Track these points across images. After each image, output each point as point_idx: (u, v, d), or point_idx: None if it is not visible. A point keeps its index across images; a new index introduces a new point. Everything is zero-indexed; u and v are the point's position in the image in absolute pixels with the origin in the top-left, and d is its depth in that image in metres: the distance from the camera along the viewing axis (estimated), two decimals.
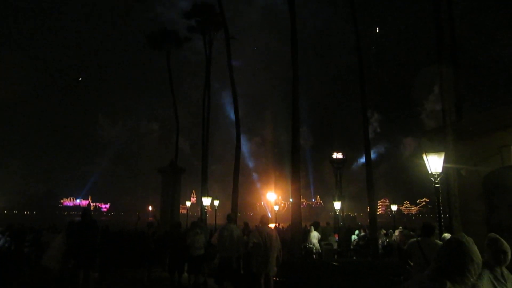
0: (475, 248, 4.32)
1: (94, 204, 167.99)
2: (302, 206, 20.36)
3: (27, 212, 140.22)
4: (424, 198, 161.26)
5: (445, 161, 8.63)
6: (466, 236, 4.44)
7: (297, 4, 17.40)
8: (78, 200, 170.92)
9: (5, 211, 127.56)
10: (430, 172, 8.47)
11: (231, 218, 9.35)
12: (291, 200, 16.42)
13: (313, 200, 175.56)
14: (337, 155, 24.75)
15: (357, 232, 18.58)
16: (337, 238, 18.77)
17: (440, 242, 6.17)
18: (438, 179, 8.43)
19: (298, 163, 15.45)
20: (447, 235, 7.26)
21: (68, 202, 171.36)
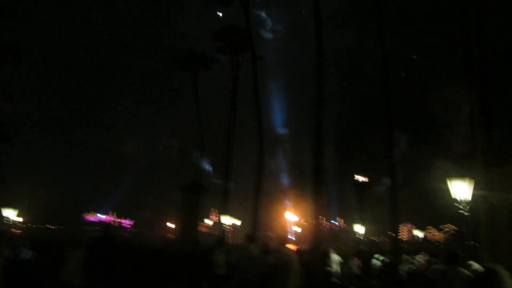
0: (510, 281, 4.13)
1: (117, 220, 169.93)
2: (324, 228, 20.01)
3: (55, 227, 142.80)
4: (448, 224, 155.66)
5: (474, 188, 8.38)
6: (503, 268, 4.26)
7: (324, 21, 17.43)
8: (101, 216, 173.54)
9: (31, 225, 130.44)
10: (454, 197, 8.23)
11: (251, 238, 9.27)
12: (312, 221, 16.25)
13: (333, 222, 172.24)
14: (360, 178, 24.38)
15: (377, 256, 18.03)
16: (357, 262, 18.28)
17: (465, 271, 5.94)
18: (468, 207, 8.16)
19: (320, 185, 15.28)
20: (474, 264, 6.99)
21: (91, 217, 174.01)
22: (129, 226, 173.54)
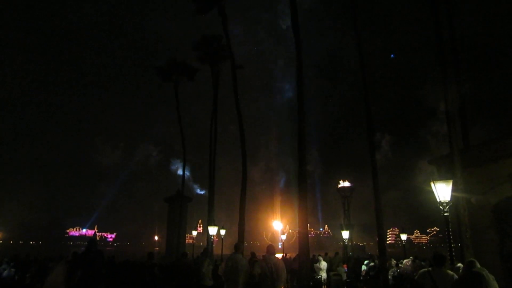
0: (495, 284, 4.18)
1: (100, 233, 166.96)
2: (310, 235, 20.03)
3: (33, 243, 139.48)
4: (435, 227, 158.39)
5: (453, 189, 8.48)
6: (487, 271, 4.30)
7: (303, 25, 17.63)
8: (84, 230, 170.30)
9: (11, 242, 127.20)
10: (438, 200, 8.33)
11: (238, 247, 9.18)
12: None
13: (321, 229, 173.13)
14: (344, 184, 24.54)
15: (366, 262, 18.17)
16: (346, 268, 18.35)
17: (451, 272, 6.00)
18: (447, 207, 8.26)
19: (305, 191, 15.27)
20: (461, 265, 7.07)
21: (74, 232, 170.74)
22: (111, 239, 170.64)
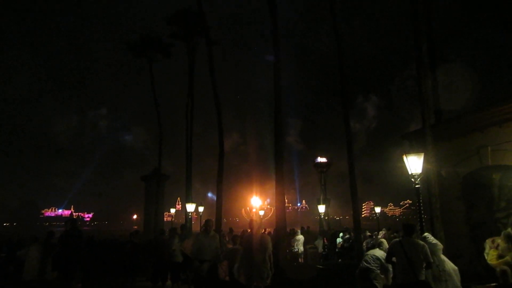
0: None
1: (76, 214, 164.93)
2: (287, 210, 20.33)
3: (6, 224, 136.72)
4: (408, 200, 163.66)
5: (425, 162, 8.76)
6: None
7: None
8: (60, 210, 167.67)
9: None
10: (410, 173, 8.59)
11: (206, 224, 9.38)
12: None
13: (298, 204, 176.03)
14: (320, 159, 24.90)
15: (341, 234, 18.71)
16: (325, 242, 18.89)
17: (420, 242, 6.27)
18: (418, 179, 8.54)
19: (282, 166, 15.39)
20: (427, 235, 7.37)
21: (50, 213, 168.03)
22: (88, 219, 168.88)
